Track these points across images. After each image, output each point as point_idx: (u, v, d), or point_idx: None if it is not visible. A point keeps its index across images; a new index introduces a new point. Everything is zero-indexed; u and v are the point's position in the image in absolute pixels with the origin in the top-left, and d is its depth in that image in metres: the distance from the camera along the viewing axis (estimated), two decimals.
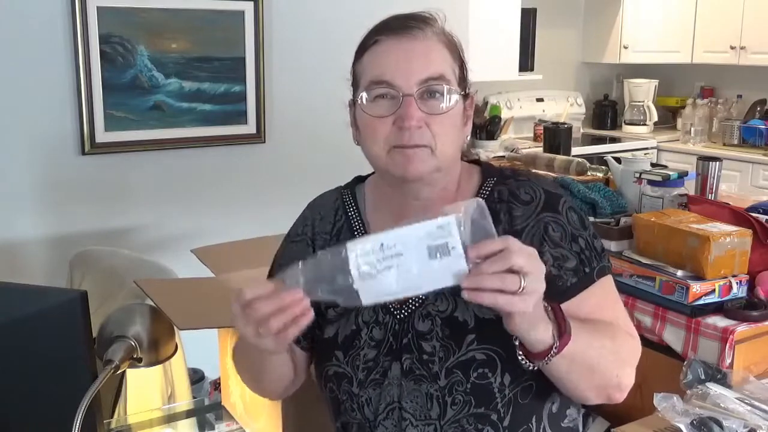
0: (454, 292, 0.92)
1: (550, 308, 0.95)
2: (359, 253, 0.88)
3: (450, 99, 1.08)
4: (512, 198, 1.12)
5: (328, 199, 1.26)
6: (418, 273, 0.86)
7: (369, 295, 0.88)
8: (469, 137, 1.17)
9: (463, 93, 1.12)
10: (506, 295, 0.85)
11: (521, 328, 0.92)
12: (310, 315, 0.93)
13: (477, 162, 1.22)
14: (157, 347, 1.41)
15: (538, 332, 0.93)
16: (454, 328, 1.08)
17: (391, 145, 1.07)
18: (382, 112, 1.07)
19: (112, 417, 1.77)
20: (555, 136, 4.04)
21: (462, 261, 0.85)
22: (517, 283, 0.85)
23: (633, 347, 1.10)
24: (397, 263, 0.87)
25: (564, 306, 0.99)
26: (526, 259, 0.86)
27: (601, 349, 1.02)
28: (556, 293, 1.02)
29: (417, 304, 1.11)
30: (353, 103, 1.14)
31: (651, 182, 2.62)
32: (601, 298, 1.08)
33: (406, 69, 1.07)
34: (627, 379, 1.07)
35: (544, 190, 1.11)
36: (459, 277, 0.86)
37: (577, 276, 1.07)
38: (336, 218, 1.21)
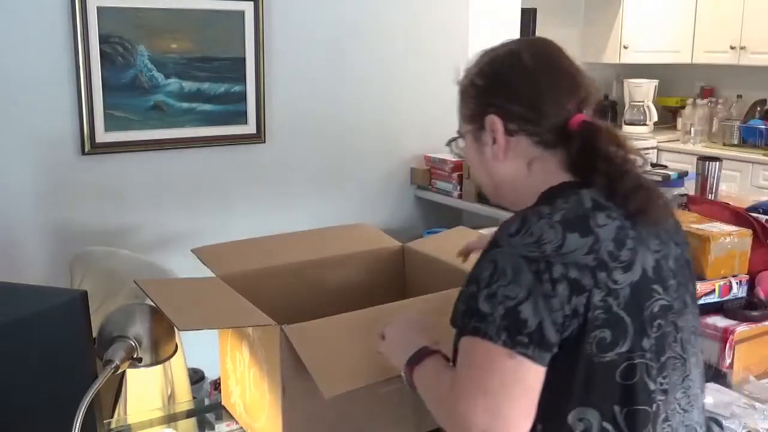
0: None
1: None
2: None
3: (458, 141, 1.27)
4: None
5: None
6: None
7: None
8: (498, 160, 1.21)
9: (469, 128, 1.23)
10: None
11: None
12: None
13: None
14: (157, 347, 1.41)
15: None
16: None
17: None
18: None
19: (112, 417, 1.77)
20: None
21: None
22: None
23: (450, 410, 1.08)
24: None
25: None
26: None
27: (427, 394, 1.17)
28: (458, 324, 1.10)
29: None
30: None
31: None
32: (467, 355, 1.07)
33: None
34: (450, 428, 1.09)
35: (493, 236, 1.10)
36: None
37: (457, 309, 1.10)
38: None
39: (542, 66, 1.17)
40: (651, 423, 1.10)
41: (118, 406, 1.83)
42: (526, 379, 1.03)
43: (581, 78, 1.18)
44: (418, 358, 1.20)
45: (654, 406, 1.10)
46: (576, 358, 1.05)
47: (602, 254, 1.05)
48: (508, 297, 1.02)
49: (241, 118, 3.16)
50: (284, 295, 1.63)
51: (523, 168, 1.18)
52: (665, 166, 2.90)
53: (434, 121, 3.71)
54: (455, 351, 1.12)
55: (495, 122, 1.17)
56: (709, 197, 2.64)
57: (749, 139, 4.92)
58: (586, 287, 1.03)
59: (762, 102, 5.07)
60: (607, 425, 1.07)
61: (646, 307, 1.09)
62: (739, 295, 2.18)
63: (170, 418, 1.73)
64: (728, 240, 2.15)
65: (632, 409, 1.08)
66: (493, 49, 1.22)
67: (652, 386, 1.10)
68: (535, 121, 1.15)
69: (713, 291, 2.14)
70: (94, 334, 1.39)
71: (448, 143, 1.31)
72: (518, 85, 1.17)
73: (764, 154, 4.70)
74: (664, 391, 1.13)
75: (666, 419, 1.13)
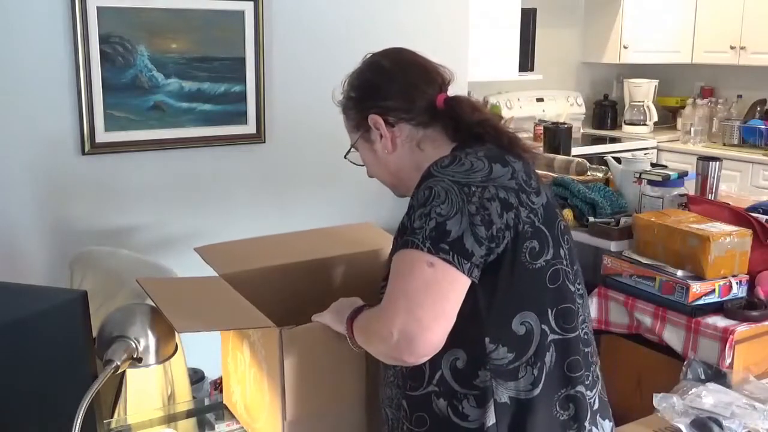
0: None
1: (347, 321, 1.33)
2: None
3: (352, 152, 1.47)
4: None
5: None
6: None
7: None
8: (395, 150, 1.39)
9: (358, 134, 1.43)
10: None
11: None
12: None
13: None
14: (156, 347, 1.41)
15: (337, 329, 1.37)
16: None
17: None
18: None
19: (112, 417, 1.77)
20: (555, 136, 4.03)
21: None
22: None
23: (376, 326, 1.22)
24: None
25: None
26: None
27: (361, 330, 1.30)
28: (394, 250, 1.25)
29: None
30: None
31: (651, 182, 2.63)
32: (394, 266, 1.21)
33: None
34: (376, 348, 1.24)
35: (427, 170, 1.26)
36: None
37: (397, 242, 1.25)
38: None
39: (399, 65, 1.41)
40: (575, 321, 1.30)
41: (118, 406, 1.83)
42: (445, 284, 1.16)
43: (435, 68, 1.42)
44: (356, 312, 1.33)
45: (575, 306, 1.31)
46: (514, 267, 1.22)
47: (520, 180, 1.26)
48: (440, 214, 1.18)
49: (241, 118, 3.16)
50: (287, 294, 1.62)
51: (415, 150, 1.37)
52: (665, 166, 2.90)
53: None
54: None
55: (376, 119, 1.37)
56: (709, 197, 2.64)
57: (749, 139, 4.92)
58: (513, 205, 1.23)
59: (762, 102, 5.07)
60: (545, 327, 1.26)
61: (556, 224, 1.30)
62: (739, 295, 2.18)
63: (170, 418, 1.73)
64: (728, 240, 2.16)
65: (561, 308, 1.28)
66: (356, 68, 1.44)
67: (571, 288, 1.31)
68: (406, 108, 1.36)
69: (713, 291, 2.14)
70: (94, 334, 1.39)
71: (345, 156, 1.49)
72: (384, 84, 1.39)
73: (764, 154, 4.70)
74: (582, 296, 1.35)
75: (584, 321, 1.35)
